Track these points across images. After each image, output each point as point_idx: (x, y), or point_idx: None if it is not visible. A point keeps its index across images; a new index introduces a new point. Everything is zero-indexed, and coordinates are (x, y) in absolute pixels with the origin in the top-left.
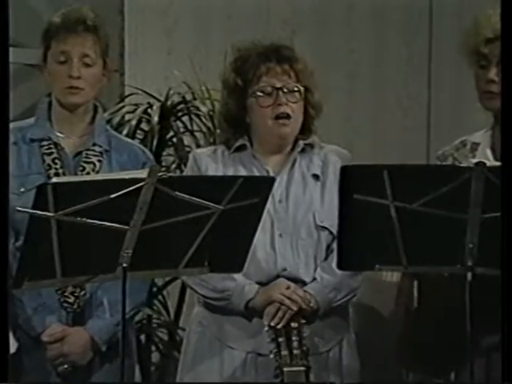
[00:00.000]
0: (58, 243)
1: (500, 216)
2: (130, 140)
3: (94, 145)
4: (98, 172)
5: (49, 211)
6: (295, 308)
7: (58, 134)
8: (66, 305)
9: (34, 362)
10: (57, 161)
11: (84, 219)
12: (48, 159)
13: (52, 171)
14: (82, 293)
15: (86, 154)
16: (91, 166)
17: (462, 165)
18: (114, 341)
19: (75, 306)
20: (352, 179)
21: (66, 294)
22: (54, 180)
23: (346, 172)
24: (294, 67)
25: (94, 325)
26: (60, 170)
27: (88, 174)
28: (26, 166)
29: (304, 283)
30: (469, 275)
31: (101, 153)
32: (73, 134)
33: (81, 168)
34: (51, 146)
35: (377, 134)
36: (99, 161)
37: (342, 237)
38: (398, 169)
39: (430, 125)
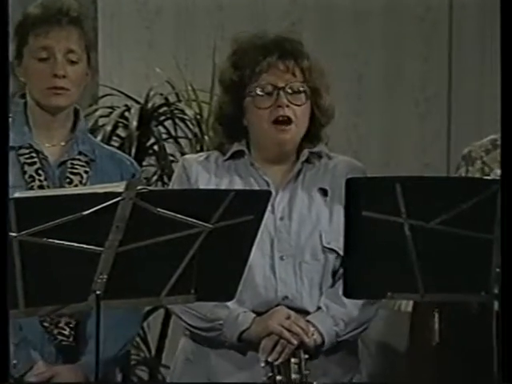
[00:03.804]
0: (21, 268)
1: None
2: (114, 149)
3: (80, 153)
4: (85, 184)
5: (11, 231)
6: (296, 342)
7: (40, 141)
8: (60, 338)
9: None
10: (40, 171)
11: (51, 240)
12: (30, 170)
13: (36, 183)
14: (74, 323)
15: (72, 163)
16: (78, 177)
17: (487, 177)
18: (106, 380)
19: (71, 339)
20: (360, 194)
21: (60, 325)
22: (17, 195)
23: (352, 185)
24: (300, 64)
25: (90, 362)
26: (44, 183)
27: (76, 186)
28: None
29: (308, 314)
30: (495, 304)
31: (87, 162)
32: (54, 141)
33: (68, 180)
34: (33, 154)
35: (389, 143)
36: (86, 172)
37: (349, 260)
38: (412, 182)
39: (451, 131)
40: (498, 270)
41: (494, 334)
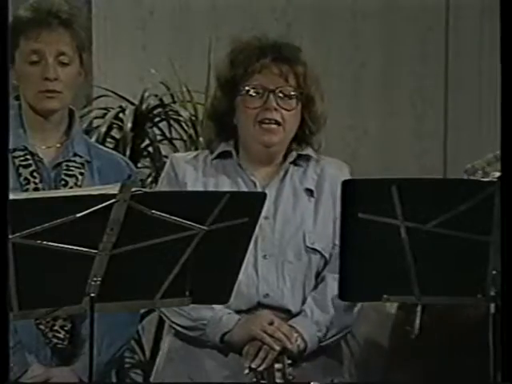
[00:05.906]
0: (15, 270)
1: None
2: (110, 150)
3: (75, 155)
4: (80, 186)
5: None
6: (278, 348)
7: (34, 143)
8: (55, 341)
9: None
10: (35, 174)
11: (45, 242)
12: (25, 172)
13: (31, 186)
14: (70, 326)
15: (67, 165)
16: (73, 179)
17: (483, 179)
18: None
19: (66, 342)
20: (356, 196)
21: (55, 328)
22: (11, 197)
23: (348, 187)
24: (294, 69)
25: (85, 364)
26: (40, 185)
27: (71, 188)
28: None
29: (289, 313)
30: (492, 307)
31: (82, 164)
32: (48, 143)
33: (63, 182)
34: (28, 156)
35: (385, 144)
36: (81, 173)
37: (345, 262)
38: (409, 183)
39: (448, 132)
40: (494, 272)
41: (491, 336)
